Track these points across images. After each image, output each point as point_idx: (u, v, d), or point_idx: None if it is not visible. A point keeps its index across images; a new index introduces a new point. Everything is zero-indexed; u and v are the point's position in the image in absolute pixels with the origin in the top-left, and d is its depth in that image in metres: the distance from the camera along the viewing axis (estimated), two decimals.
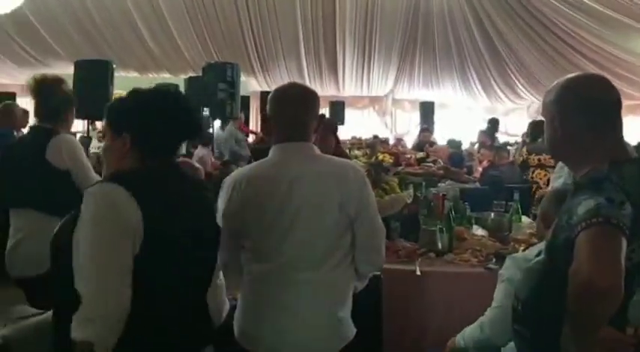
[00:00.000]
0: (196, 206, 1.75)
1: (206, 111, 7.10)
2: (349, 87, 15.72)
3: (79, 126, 9.45)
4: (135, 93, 1.76)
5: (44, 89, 3.15)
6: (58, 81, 3.28)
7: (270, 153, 2.11)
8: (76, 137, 3.99)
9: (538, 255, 1.52)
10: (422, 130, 10.40)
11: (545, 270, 1.42)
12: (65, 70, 12.06)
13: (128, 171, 1.66)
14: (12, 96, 11.18)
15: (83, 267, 1.49)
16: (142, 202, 1.54)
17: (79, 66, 6.57)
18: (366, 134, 12.08)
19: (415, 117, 13.00)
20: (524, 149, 6.16)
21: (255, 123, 13.21)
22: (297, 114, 2.07)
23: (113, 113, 1.76)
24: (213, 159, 7.89)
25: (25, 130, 5.33)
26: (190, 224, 1.67)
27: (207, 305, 1.78)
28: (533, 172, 5.82)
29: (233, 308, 2.29)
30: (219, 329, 2.59)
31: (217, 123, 8.72)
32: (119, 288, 1.48)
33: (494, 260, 3.03)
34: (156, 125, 1.68)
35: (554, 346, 1.34)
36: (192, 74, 11.03)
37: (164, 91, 1.79)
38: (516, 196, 3.64)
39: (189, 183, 1.85)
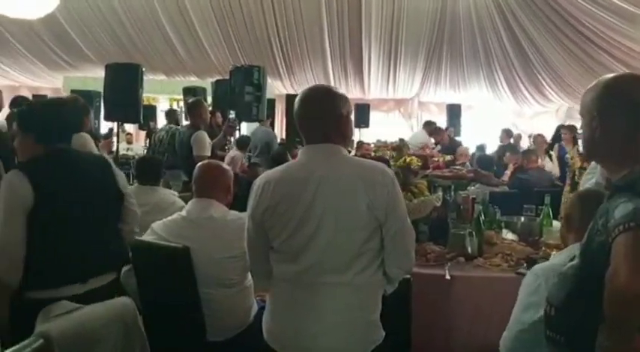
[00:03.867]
0: (87, 178, 2.53)
1: (232, 114, 7.13)
2: (374, 89, 15.67)
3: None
4: (32, 105, 2.90)
5: None
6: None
7: (299, 155, 2.13)
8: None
9: (572, 259, 1.49)
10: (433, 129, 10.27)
11: (580, 275, 1.39)
12: (96, 73, 12.34)
13: (30, 160, 2.47)
14: (44, 98, 11.38)
15: None
16: (34, 180, 2.33)
17: (109, 69, 6.67)
18: (391, 137, 12.03)
19: (441, 119, 12.88)
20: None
21: (280, 125, 13.25)
22: (323, 116, 2.07)
23: (21, 119, 2.60)
24: (244, 161, 7.94)
25: None
26: (79, 192, 2.45)
27: (111, 239, 2.59)
28: None
29: (262, 308, 2.31)
30: (248, 329, 2.63)
31: (244, 125, 8.77)
32: (13, 242, 2.31)
33: (525, 265, 2.99)
34: (51, 125, 2.52)
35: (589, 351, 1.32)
36: (218, 77, 11.13)
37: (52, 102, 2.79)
38: (547, 200, 3.58)
39: (85, 162, 2.64)
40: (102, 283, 2.50)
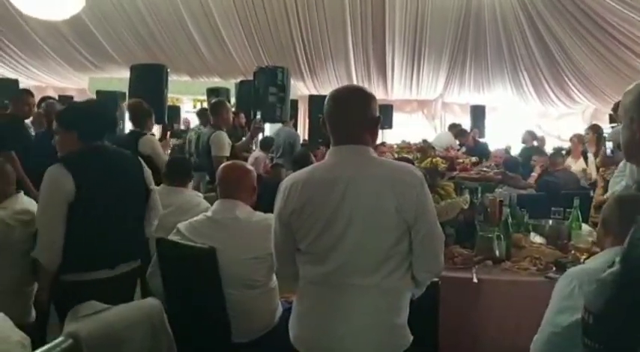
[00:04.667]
0: (121, 173, 2.77)
1: (258, 115, 7.13)
2: (398, 90, 15.59)
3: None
4: (75, 106, 3.35)
5: None
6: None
7: (327, 155, 2.10)
8: None
9: (611, 265, 1.45)
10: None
11: (620, 282, 1.35)
12: (121, 74, 12.47)
13: (71, 155, 2.68)
14: (70, 99, 11.54)
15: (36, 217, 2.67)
16: (75, 174, 2.55)
17: (134, 70, 6.73)
18: (414, 138, 11.95)
19: (465, 121, 12.77)
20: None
21: (303, 126, 13.26)
22: (352, 117, 2.04)
23: (64, 118, 2.84)
24: (267, 162, 7.95)
25: None
26: (113, 186, 2.69)
27: (136, 230, 2.85)
28: None
29: (287, 310, 2.30)
30: (273, 330, 2.62)
31: (267, 126, 8.79)
32: (55, 230, 2.55)
33: (554, 268, 2.94)
34: (91, 124, 2.76)
35: None
36: (242, 78, 11.17)
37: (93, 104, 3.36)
38: (576, 203, 3.51)
39: (119, 158, 2.87)
40: (127, 269, 2.75)
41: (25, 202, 2.95)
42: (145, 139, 4.98)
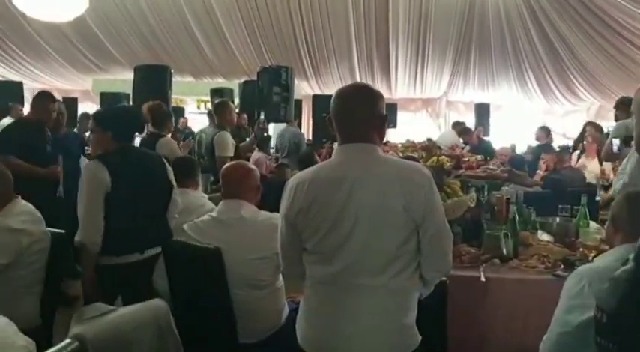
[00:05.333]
0: (148, 170, 3.19)
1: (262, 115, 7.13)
2: (402, 89, 15.57)
3: None
4: (111, 109, 3.74)
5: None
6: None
7: (333, 154, 2.09)
8: None
9: (624, 263, 1.43)
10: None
11: (633, 280, 1.33)
12: (125, 76, 12.50)
13: (105, 152, 3.09)
14: (74, 101, 11.58)
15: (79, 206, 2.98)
16: (111, 169, 2.96)
17: (138, 71, 6.74)
18: (418, 137, 11.91)
19: (470, 119, 12.73)
20: None
21: (307, 126, 13.25)
22: (359, 115, 2.02)
23: (102, 119, 3.29)
24: (268, 163, 7.93)
25: None
26: (141, 181, 3.09)
27: (161, 217, 3.21)
28: None
29: (293, 310, 2.28)
30: (280, 330, 2.61)
31: (271, 126, 8.77)
32: (96, 216, 2.93)
33: (562, 266, 2.92)
34: (124, 126, 3.20)
35: None
36: (245, 78, 11.17)
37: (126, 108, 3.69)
38: (584, 200, 3.49)
39: (146, 157, 3.35)
40: (153, 253, 3.08)
41: (25, 205, 2.95)
42: (163, 141, 5.06)
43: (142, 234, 3.06)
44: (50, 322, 2.79)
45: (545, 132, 9.10)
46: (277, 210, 2.14)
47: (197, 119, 12.77)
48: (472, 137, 9.62)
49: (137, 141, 7.28)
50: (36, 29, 13.31)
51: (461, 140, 9.55)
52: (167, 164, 3.38)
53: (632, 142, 2.82)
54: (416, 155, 5.29)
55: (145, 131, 5.07)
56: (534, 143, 9.39)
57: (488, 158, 6.27)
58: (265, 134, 8.25)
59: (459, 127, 9.94)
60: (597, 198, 4.73)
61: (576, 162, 7.07)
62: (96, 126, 3.30)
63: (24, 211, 2.91)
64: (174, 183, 3.33)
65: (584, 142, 7.13)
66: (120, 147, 3.12)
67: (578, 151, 7.52)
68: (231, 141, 5.61)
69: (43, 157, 4.71)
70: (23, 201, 2.95)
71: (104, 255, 2.97)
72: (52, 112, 4.90)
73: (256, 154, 7.59)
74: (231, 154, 5.50)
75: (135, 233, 3.03)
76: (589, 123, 7.94)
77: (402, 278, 1.94)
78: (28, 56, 14.49)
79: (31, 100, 5.15)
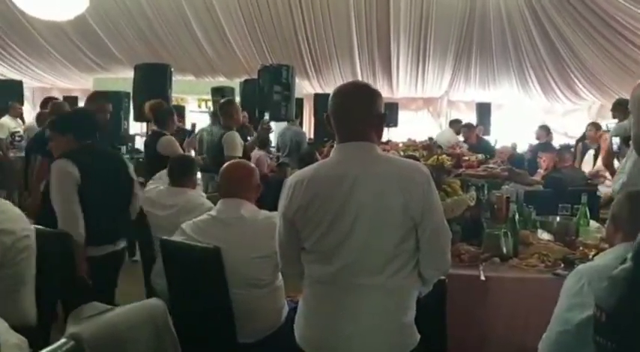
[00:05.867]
0: (112, 166, 3.45)
1: (266, 115, 7.09)
2: (403, 88, 15.54)
3: (136, 128, 9.71)
4: (66, 114, 4.24)
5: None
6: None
7: (332, 153, 2.08)
8: None
9: (622, 262, 1.42)
10: (462, 126, 10.06)
11: (632, 279, 1.32)
12: (126, 74, 12.49)
13: (70, 151, 3.25)
14: (74, 100, 11.56)
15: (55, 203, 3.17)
16: (79, 166, 3.16)
17: (138, 69, 6.73)
18: (420, 136, 11.90)
19: (471, 118, 12.70)
20: None
21: (308, 125, 13.24)
22: (357, 113, 2.01)
23: (59, 124, 3.50)
24: (269, 161, 7.93)
25: None
26: (106, 176, 3.32)
27: (125, 211, 3.47)
28: None
29: (293, 310, 2.27)
30: (279, 330, 2.60)
31: (273, 125, 8.75)
32: (74, 208, 3.13)
33: (562, 265, 2.91)
34: (84, 126, 3.44)
35: None
36: (246, 77, 11.15)
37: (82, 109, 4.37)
38: (584, 199, 3.48)
39: (108, 154, 3.67)
40: (122, 246, 3.40)
41: (2, 204, 2.89)
42: (163, 140, 5.06)
43: (113, 225, 3.33)
44: (47, 321, 2.76)
45: (545, 130, 9.09)
46: (277, 209, 2.13)
47: (198, 118, 12.76)
48: (472, 136, 9.60)
49: (140, 140, 7.33)
50: (36, 28, 13.28)
51: (461, 138, 9.53)
52: (126, 159, 3.79)
53: (631, 142, 2.82)
54: (417, 154, 5.29)
55: (148, 130, 5.08)
56: (535, 142, 9.38)
57: (487, 157, 6.26)
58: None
59: (457, 125, 9.92)
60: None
61: (593, 164, 7.00)
62: (53, 133, 3.47)
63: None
64: (135, 177, 3.60)
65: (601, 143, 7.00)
66: (83, 146, 3.32)
67: (592, 151, 7.40)
68: (240, 141, 5.61)
69: None
70: (1, 200, 2.90)
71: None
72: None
73: (257, 153, 7.58)
74: (240, 154, 5.49)
75: (107, 225, 3.25)
76: (593, 124, 7.93)
77: (400, 278, 1.94)
78: (29, 55, 14.46)
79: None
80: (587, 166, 7.29)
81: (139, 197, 3.58)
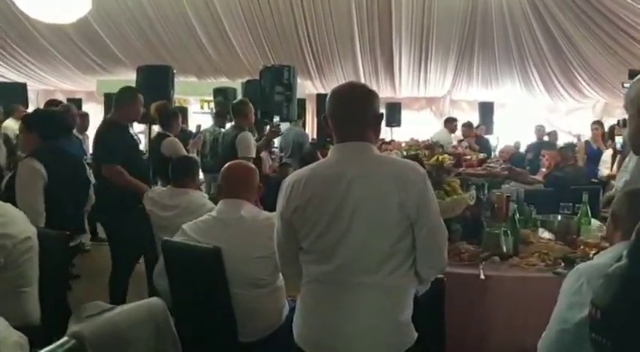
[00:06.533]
0: (73, 166, 3.81)
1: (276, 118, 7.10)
2: (405, 88, 15.55)
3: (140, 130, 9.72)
4: (37, 111, 4.74)
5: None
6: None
7: (329, 153, 2.09)
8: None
9: (618, 259, 1.42)
10: (462, 125, 10.07)
11: (627, 276, 1.33)
12: (129, 76, 12.52)
13: (36, 151, 3.55)
14: (78, 102, 11.61)
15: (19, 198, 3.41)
16: (45, 164, 3.45)
17: (141, 71, 6.73)
18: (423, 136, 11.88)
19: (474, 118, 12.69)
20: None
21: (311, 125, 13.25)
22: (355, 114, 2.02)
23: (28, 121, 3.82)
24: (271, 162, 7.94)
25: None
26: (68, 171, 3.65)
27: (81, 210, 3.91)
28: None
29: (293, 309, 2.29)
30: (280, 329, 2.61)
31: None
32: (38, 202, 3.42)
33: (562, 264, 2.91)
34: (49, 127, 3.72)
35: None
36: (248, 78, 11.16)
37: (51, 111, 4.96)
38: (585, 198, 3.48)
39: (69, 155, 3.94)
40: (77, 242, 3.76)
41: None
42: (166, 142, 5.08)
43: (71, 222, 3.54)
44: (51, 321, 2.78)
45: (544, 129, 9.13)
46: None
47: (201, 119, 12.77)
48: (470, 134, 9.60)
49: (144, 140, 7.36)
50: (39, 31, 13.32)
51: (452, 136, 9.50)
52: (84, 160, 4.29)
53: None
54: (419, 153, 5.28)
55: (150, 131, 5.11)
56: (534, 141, 9.40)
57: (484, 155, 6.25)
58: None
59: (451, 124, 9.91)
60: None
61: (611, 164, 6.91)
62: (22, 128, 3.80)
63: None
64: (92, 178, 4.08)
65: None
66: (46, 146, 3.59)
67: (610, 151, 7.28)
68: (254, 142, 5.59)
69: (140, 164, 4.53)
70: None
71: None
72: (141, 110, 4.50)
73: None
74: (254, 155, 5.48)
75: (66, 222, 3.40)
76: (597, 122, 7.90)
77: (397, 276, 1.95)
78: (32, 58, 14.50)
79: (115, 100, 4.47)
80: (604, 166, 7.22)
81: (92, 199, 3.99)
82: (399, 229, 1.93)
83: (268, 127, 6.94)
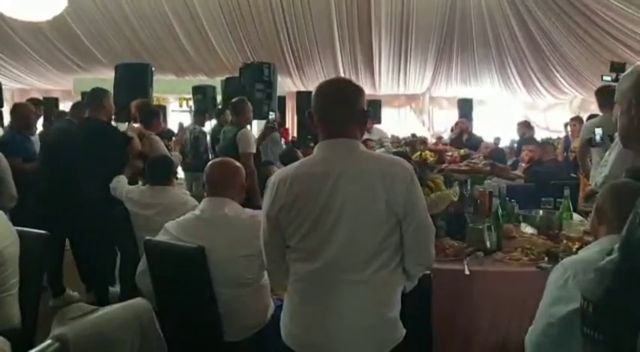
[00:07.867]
0: None
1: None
2: (385, 85, 15.60)
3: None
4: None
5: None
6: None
7: (315, 150, 2.07)
8: None
9: (609, 253, 1.43)
10: (457, 122, 10.09)
11: (619, 270, 1.33)
12: (106, 75, 12.38)
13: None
14: (55, 101, 11.43)
15: None
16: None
17: (119, 69, 6.66)
18: (403, 133, 11.94)
19: (453, 114, 12.78)
20: None
21: (290, 123, 13.22)
22: (342, 110, 2.00)
23: None
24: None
25: None
26: None
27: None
28: None
29: (279, 307, 2.27)
30: (265, 328, 2.59)
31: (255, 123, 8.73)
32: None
33: (546, 259, 2.93)
34: None
35: (631, 349, 1.25)
36: (228, 75, 11.10)
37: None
38: (567, 193, 3.51)
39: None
40: None
41: None
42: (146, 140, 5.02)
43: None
44: (31, 323, 2.72)
45: (525, 125, 9.17)
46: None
47: (180, 117, 12.67)
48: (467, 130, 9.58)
49: None
50: (14, 28, 13.12)
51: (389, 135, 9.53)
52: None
53: (616, 134, 2.84)
54: (402, 150, 5.31)
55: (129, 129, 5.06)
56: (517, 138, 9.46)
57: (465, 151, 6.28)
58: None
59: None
60: None
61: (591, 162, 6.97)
62: None
63: None
64: (3, 176, 4.21)
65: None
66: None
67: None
68: (253, 138, 5.64)
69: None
70: None
71: None
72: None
73: None
74: (254, 151, 5.51)
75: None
76: (575, 118, 7.99)
77: (384, 273, 1.94)
78: (7, 56, 14.29)
79: (104, 101, 4.83)
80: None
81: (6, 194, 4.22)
82: (386, 226, 1.92)
83: (264, 123, 6.97)
